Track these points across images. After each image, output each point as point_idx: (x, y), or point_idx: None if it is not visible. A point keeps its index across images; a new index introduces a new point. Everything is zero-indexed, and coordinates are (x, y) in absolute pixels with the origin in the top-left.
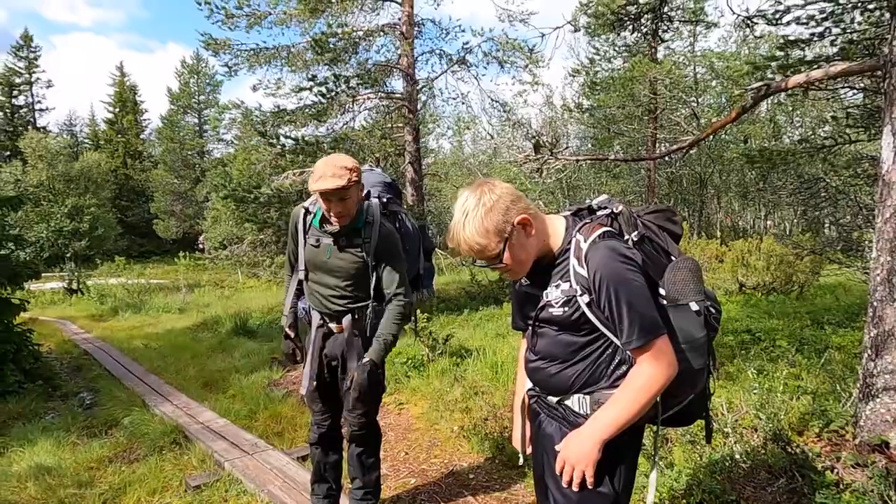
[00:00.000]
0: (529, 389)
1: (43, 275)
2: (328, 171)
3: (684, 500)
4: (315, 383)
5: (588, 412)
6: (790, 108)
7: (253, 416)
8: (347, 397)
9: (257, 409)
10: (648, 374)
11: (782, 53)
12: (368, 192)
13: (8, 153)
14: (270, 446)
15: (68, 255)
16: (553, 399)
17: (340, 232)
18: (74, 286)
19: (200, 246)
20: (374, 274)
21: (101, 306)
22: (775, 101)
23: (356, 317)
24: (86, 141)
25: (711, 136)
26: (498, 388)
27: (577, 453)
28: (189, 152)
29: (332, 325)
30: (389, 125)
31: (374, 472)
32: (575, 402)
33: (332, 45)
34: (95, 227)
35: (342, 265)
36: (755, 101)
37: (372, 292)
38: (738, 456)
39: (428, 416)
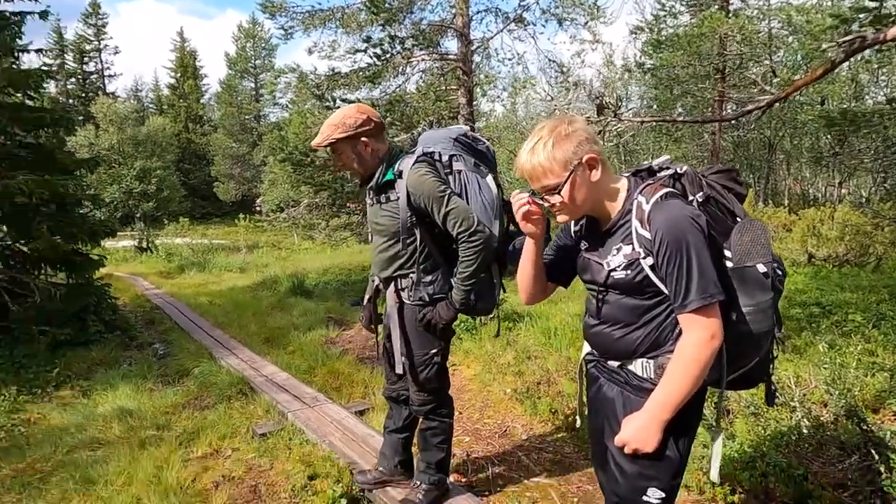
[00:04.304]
0: (587, 354)
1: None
2: (321, 129)
3: (746, 472)
4: (390, 356)
5: (652, 377)
6: (875, 66)
7: (312, 371)
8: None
9: (316, 364)
10: (698, 344)
11: (875, 4)
12: (395, 147)
13: (81, 118)
14: (330, 400)
15: (138, 215)
16: (614, 363)
17: (376, 188)
18: (144, 245)
19: (258, 209)
20: (417, 232)
21: (169, 264)
22: (860, 58)
23: (400, 286)
24: (150, 106)
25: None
26: (551, 353)
27: (639, 438)
28: (246, 116)
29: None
30: (443, 87)
31: (438, 454)
32: (638, 366)
33: (387, 5)
34: (161, 188)
35: (384, 223)
36: (847, 55)
37: (419, 257)
38: (805, 430)
39: (481, 378)
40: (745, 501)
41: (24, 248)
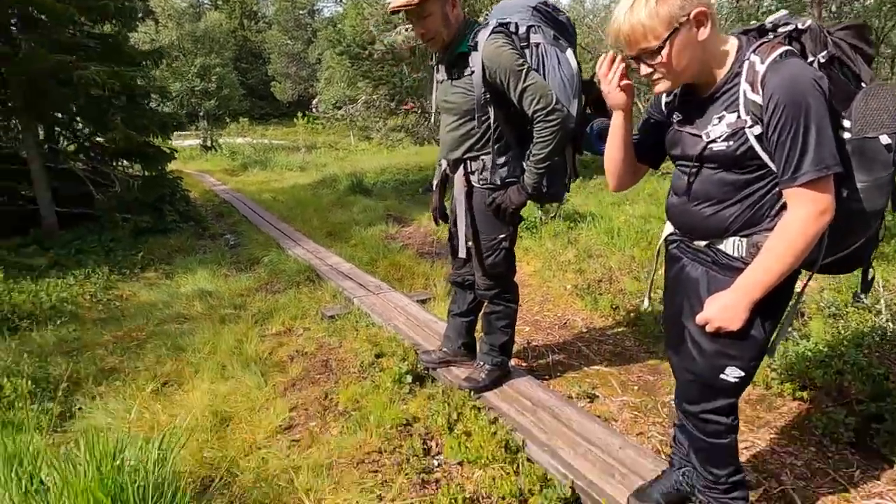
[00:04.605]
0: (669, 234)
1: (181, 133)
2: None
3: (819, 370)
4: (455, 241)
5: (743, 255)
6: None
7: (374, 263)
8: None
9: (378, 257)
10: (805, 220)
11: None
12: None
13: (140, 15)
14: (393, 288)
15: (201, 113)
16: (701, 243)
17: (449, 61)
18: (208, 143)
19: (313, 109)
20: (491, 111)
21: (233, 162)
22: None
23: (469, 168)
24: (205, 1)
25: None
26: (613, 253)
27: (725, 317)
28: (300, 11)
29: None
30: None
31: (501, 337)
32: (729, 244)
33: None
34: (222, 87)
35: (455, 100)
36: None
37: (492, 135)
38: (890, 333)
39: (541, 274)
40: (815, 397)
41: (102, 141)
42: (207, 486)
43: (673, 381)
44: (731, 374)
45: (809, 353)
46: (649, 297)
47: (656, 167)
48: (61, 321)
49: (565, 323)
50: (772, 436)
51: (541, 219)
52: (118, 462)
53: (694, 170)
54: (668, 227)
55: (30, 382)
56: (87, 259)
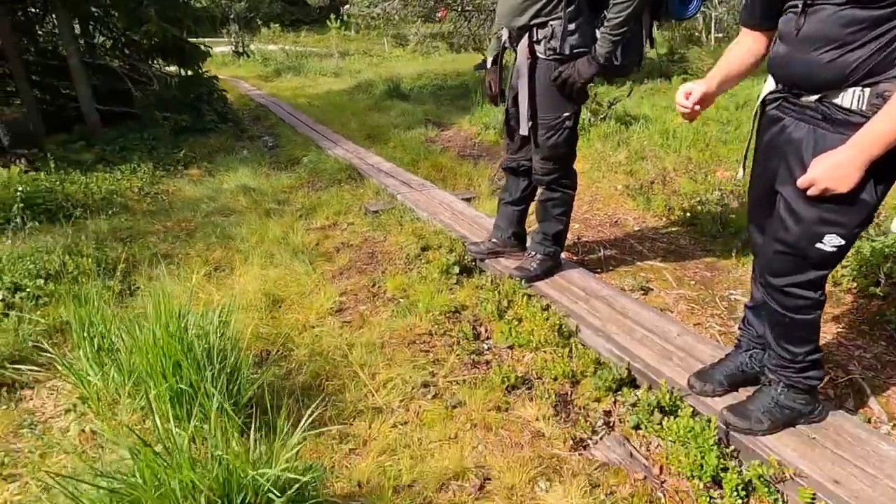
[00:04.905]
0: (769, 94)
1: (213, 39)
2: None
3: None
4: (513, 122)
5: (864, 108)
6: None
7: (415, 163)
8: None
9: (418, 158)
10: None
11: None
12: None
13: None
14: (436, 186)
15: (231, 16)
16: (812, 97)
17: None
18: (240, 49)
19: (348, 6)
20: None
21: (266, 68)
22: None
23: (535, 37)
24: None
25: None
26: (668, 154)
27: (834, 176)
28: None
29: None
30: None
31: (556, 226)
32: (848, 96)
33: None
34: None
35: None
36: None
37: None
38: None
39: (589, 175)
40: (889, 294)
41: (137, 38)
42: (265, 358)
43: (732, 277)
44: (830, 242)
45: (887, 250)
46: (743, 167)
47: None
48: (113, 211)
49: (616, 222)
50: (839, 329)
51: (589, 119)
52: (184, 324)
53: (809, 8)
54: (769, 86)
55: (90, 261)
56: (131, 155)
